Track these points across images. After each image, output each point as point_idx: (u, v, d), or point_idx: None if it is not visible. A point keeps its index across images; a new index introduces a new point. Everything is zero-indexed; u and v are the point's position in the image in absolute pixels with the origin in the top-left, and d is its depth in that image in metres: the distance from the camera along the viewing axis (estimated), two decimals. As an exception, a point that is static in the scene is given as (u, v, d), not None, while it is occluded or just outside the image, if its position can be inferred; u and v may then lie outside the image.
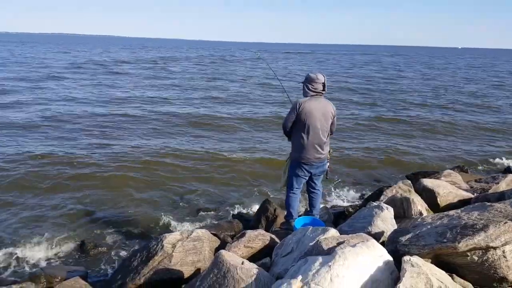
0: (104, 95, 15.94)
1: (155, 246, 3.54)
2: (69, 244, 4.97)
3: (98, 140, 9.29)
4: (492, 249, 2.36)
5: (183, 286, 3.36)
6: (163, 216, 5.76)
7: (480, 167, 8.59)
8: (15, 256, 4.65)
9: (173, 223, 5.60)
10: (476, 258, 2.40)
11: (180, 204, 6.24)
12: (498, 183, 5.33)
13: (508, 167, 8.19)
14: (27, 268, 4.40)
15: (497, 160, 9.08)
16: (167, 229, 5.38)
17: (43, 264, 4.51)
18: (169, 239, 3.56)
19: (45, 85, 17.91)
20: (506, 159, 9.14)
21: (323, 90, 3.97)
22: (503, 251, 2.35)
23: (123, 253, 4.76)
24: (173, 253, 3.45)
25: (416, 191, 4.63)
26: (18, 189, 6.44)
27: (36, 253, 4.74)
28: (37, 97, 14.58)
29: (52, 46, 60.89)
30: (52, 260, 4.61)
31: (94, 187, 6.67)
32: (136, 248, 4.44)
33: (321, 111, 3.94)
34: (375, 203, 3.70)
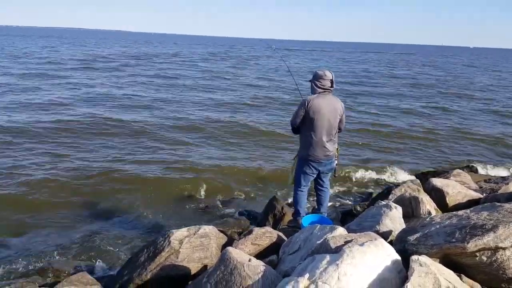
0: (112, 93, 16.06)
1: (162, 242, 3.55)
2: (77, 239, 5.02)
3: (102, 140, 9.35)
4: (501, 249, 2.33)
5: (189, 282, 3.37)
6: (170, 212, 5.79)
7: (489, 167, 8.49)
8: (24, 250, 4.71)
9: (180, 219, 5.63)
10: (485, 259, 2.37)
11: (188, 200, 6.28)
12: (507, 183, 5.25)
13: (518, 167, 8.09)
14: (35, 262, 4.45)
15: (507, 160, 8.97)
16: (174, 225, 5.42)
17: (51, 258, 4.56)
18: (176, 235, 3.57)
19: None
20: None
21: (331, 86, 3.95)
22: (513, 252, 2.32)
23: (130, 249, 4.81)
24: (180, 250, 3.46)
25: (425, 190, 4.59)
26: (26, 185, 6.52)
27: (44, 247, 4.80)
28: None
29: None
30: (59, 255, 4.66)
31: (101, 183, 6.73)
32: (143, 244, 4.47)
33: (329, 108, 3.92)
34: (383, 202, 3.67)
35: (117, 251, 4.79)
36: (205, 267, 3.48)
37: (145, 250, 3.62)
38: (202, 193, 6.53)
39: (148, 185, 6.72)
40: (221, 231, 4.08)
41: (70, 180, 6.79)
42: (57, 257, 4.60)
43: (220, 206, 6.12)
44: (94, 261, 4.55)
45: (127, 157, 8.05)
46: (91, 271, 4.06)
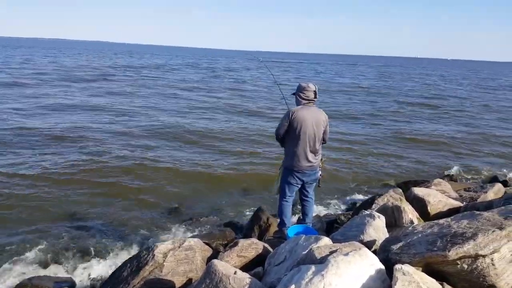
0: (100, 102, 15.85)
1: (146, 255, 3.49)
2: (57, 253, 4.89)
3: (89, 147, 9.22)
4: (481, 257, 2.39)
5: (174, 296, 3.33)
6: (154, 225, 5.71)
7: (468, 176, 8.71)
8: (1, 266, 4.55)
9: (165, 232, 5.56)
10: (466, 266, 2.42)
11: (172, 213, 6.21)
12: (486, 192, 5.40)
13: (495, 176, 8.32)
14: (13, 279, 4.30)
15: (486, 169, 9.23)
16: (158, 238, 5.35)
17: (30, 274, 4.41)
18: (160, 248, 3.53)
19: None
20: (495, 169, 9.31)
21: (315, 97, 4.03)
22: (492, 259, 2.38)
23: (112, 263, 4.70)
24: (164, 263, 3.41)
25: (407, 199, 4.67)
26: (6, 195, 6.33)
27: (23, 263, 4.66)
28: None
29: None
30: (39, 270, 4.53)
31: (84, 195, 6.60)
32: (126, 258, 4.39)
33: (313, 119, 3.99)
34: (367, 212, 3.71)
35: (99, 266, 4.68)
36: (190, 280, 3.44)
37: (128, 264, 3.56)
38: (187, 205, 6.47)
39: (131, 197, 6.62)
40: (206, 244, 4.05)
41: (50, 191, 6.63)
42: (36, 273, 4.46)
43: (205, 218, 6.07)
44: (75, 276, 4.43)
45: (109, 166, 7.92)
46: (72, 287, 3.95)
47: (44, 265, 4.65)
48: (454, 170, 8.95)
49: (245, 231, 5.18)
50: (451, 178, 7.55)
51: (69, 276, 4.43)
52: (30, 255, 4.80)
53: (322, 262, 2.32)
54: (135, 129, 11.58)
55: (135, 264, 3.49)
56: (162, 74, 32.18)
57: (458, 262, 2.42)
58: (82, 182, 7.11)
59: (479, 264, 2.39)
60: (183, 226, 5.78)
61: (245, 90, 23.26)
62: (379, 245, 2.99)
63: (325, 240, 2.85)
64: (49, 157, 8.36)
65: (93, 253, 4.94)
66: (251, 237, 4.51)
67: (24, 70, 27.26)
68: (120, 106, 15.25)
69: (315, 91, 4.02)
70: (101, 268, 4.64)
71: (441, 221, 2.92)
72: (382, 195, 4.92)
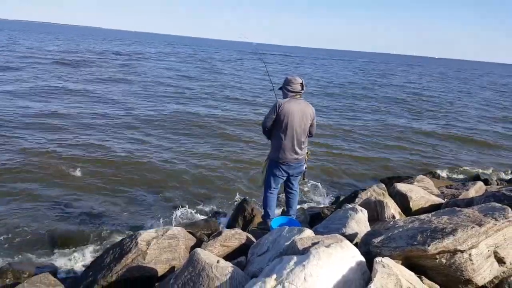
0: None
1: (129, 243, 3.48)
2: (39, 239, 4.83)
3: (74, 136, 9.07)
4: (459, 252, 2.45)
5: (157, 284, 3.33)
6: (138, 213, 5.68)
7: (451, 174, 8.88)
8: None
9: (149, 220, 5.53)
10: (444, 261, 2.48)
11: (157, 201, 6.17)
12: (467, 189, 5.50)
13: (477, 175, 8.50)
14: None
15: (468, 167, 9.42)
16: (142, 226, 5.32)
17: (11, 259, 4.36)
18: (143, 236, 3.52)
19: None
20: (477, 167, 9.51)
21: (302, 89, 4.04)
22: (470, 255, 2.45)
23: (95, 250, 4.68)
24: (147, 251, 3.40)
25: (390, 194, 4.74)
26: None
27: (4, 248, 4.58)
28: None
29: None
30: (20, 255, 4.47)
31: (67, 182, 6.50)
32: (109, 245, 4.36)
33: (300, 113, 4.00)
34: (350, 205, 3.76)
35: (82, 252, 4.64)
36: (173, 268, 3.44)
37: (111, 251, 3.54)
38: (171, 195, 6.43)
39: (115, 186, 6.55)
40: (190, 233, 4.05)
41: (32, 174, 6.52)
42: (17, 257, 4.40)
43: (190, 208, 6.05)
44: (57, 262, 4.38)
45: (92, 156, 7.82)
46: (54, 272, 3.91)
47: (26, 250, 4.59)
48: (437, 167, 9.11)
49: (229, 222, 5.19)
50: (433, 175, 7.68)
51: (50, 261, 4.38)
52: (10, 241, 4.72)
53: (304, 253, 2.35)
54: (118, 120, 11.43)
55: (118, 251, 3.47)
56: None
57: (437, 256, 2.47)
58: (66, 172, 6.99)
59: (457, 259, 2.45)
60: (167, 215, 5.76)
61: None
62: (360, 238, 3.03)
63: (308, 232, 2.88)
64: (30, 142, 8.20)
65: (75, 240, 4.89)
66: (235, 227, 4.53)
67: None
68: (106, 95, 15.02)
69: (301, 83, 4.03)
70: (84, 255, 4.60)
71: (422, 216, 2.97)
72: (365, 189, 4.98)
